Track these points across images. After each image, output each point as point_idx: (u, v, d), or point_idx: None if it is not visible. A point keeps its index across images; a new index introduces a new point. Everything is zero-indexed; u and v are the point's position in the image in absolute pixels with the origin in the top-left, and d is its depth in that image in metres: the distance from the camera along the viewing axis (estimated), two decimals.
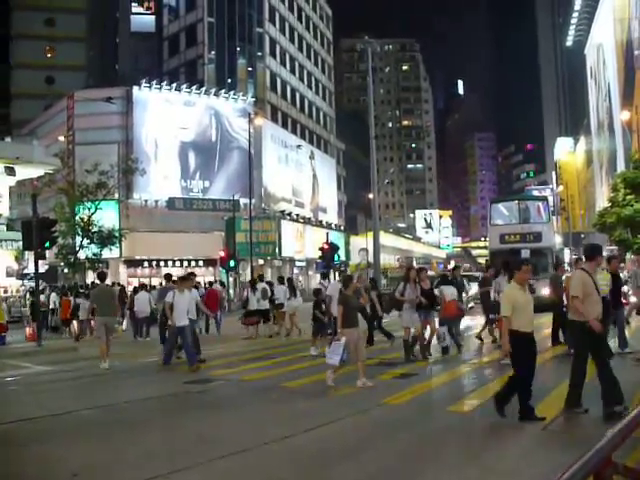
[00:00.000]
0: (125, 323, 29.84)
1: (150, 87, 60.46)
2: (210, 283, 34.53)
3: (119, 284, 37.40)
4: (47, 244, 24.87)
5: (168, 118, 60.03)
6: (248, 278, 40.85)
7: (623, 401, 8.67)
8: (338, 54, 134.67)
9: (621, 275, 20.29)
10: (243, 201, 56.10)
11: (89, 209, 41.05)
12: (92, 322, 24.04)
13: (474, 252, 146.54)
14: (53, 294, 32.14)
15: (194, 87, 63.08)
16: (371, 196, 41.56)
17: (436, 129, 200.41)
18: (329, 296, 17.27)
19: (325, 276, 26.94)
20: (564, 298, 15.34)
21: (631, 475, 4.42)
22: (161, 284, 32.24)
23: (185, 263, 60.15)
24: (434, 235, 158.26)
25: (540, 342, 19.03)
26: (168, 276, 20.48)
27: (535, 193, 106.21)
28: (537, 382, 11.19)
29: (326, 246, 42.97)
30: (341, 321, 12.20)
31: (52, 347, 23.32)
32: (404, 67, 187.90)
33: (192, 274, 18.54)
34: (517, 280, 9.28)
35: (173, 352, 16.95)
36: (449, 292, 16.70)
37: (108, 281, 26.39)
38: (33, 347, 22.93)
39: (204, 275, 58.62)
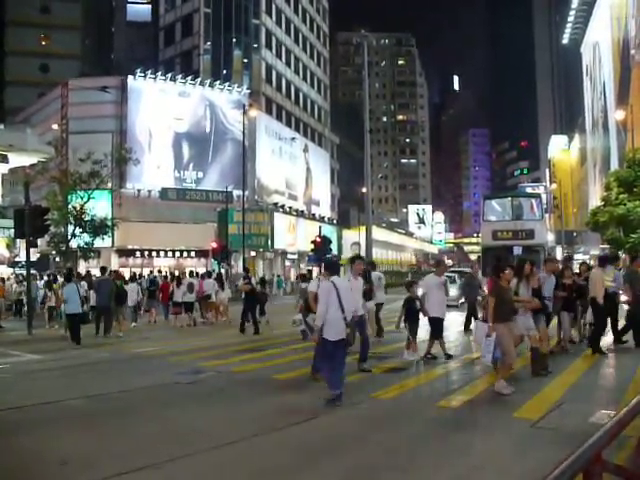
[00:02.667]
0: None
1: (145, 77, 60.28)
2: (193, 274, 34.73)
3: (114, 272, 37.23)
4: (39, 232, 24.81)
5: (163, 108, 59.89)
6: (240, 270, 40.91)
7: None
8: (334, 47, 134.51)
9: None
10: (236, 193, 56.07)
11: (82, 198, 40.91)
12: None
13: (466, 248, 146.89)
14: (40, 282, 32.08)
15: (189, 78, 62.96)
16: (364, 190, 41.49)
17: (431, 124, 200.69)
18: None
19: (304, 277, 26.32)
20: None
21: (620, 473, 4.42)
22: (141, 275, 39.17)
23: (177, 254, 60.14)
24: (427, 230, 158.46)
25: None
26: (103, 269, 25.54)
27: (528, 190, 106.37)
28: (527, 379, 11.22)
29: (319, 239, 42.99)
30: (492, 315, 10.94)
31: (43, 336, 23.26)
32: (400, 61, 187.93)
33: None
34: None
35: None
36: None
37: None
38: (23, 335, 22.87)
39: (196, 266, 58.75)
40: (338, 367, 10.39)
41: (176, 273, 37.56)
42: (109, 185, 49.23)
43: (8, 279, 37.81)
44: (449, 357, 14.85)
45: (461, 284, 20.25)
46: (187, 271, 36.08)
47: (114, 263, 54.83)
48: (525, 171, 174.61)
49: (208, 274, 30.41)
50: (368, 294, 19.78)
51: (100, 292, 22.97)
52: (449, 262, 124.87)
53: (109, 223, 43.63)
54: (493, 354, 10.84)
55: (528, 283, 12.73)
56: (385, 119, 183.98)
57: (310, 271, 13.14)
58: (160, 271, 46.83)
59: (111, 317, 23.07)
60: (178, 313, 26.79)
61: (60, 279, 28.82)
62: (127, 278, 32.60)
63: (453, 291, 34.52)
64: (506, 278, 11.49)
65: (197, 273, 32.76)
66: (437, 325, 15.11)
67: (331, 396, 10.15)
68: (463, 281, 20.50)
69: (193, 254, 60.91)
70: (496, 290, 11.27)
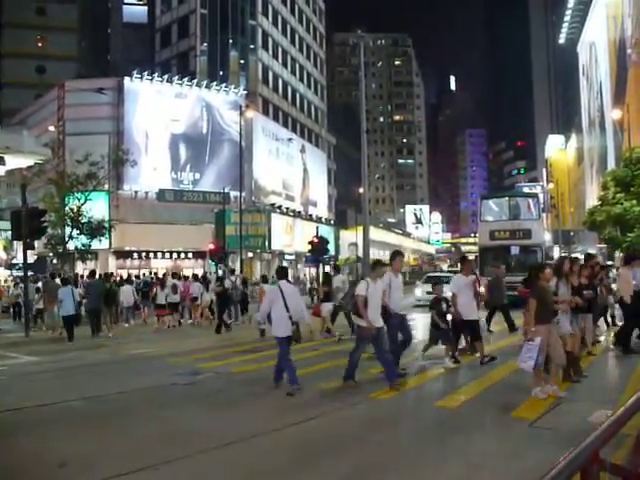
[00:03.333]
0: None
1: (141, 78, 60.22)
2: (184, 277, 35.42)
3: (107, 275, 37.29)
4: (37, 234, 24.81)
5: (159, 110, 59.84)
6: (238, 271, 40.90)
7: None
8: (330, 48, 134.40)
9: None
10: (233, 194, 55.98)
11: (79, 200, 40.87)
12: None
13: (464, 248, 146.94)
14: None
15: (186, 79, 62.89)
16: (361, 190, 41.44)
17: (427, 124, 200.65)
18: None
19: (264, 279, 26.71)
20: None
21: (618, 472, 4.43)
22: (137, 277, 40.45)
23: (174, 255, 60.12)
24: (424, 230, 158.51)
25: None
26: (92, 272, 27.08)
27: (525, 190, 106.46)
28: (525, 379, 11.23)
29: (316, 240, 42.96)
30: (534, 317, 10.35)
31: (40, 338, 23.26)
32: (396, 62, 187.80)
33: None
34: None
35: None
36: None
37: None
38: (21, 337, 22.86)
39: (193, 267, 58.74)
40: (289, 362, 11.75)
41: (160, 275, 37.92)
42: (106, 187, 49.22)
43: (5, 281, 37.88)
44: (493, 359, 13.95)
45: (486, 285, 19.99)
46: (170, 273, 36.64)
47: (111, 265, 54.82)
48: (522, 171, 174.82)
49: (194, 277, 31.32)
50: (327, 296, 20.84)
51: (90, 294, 24.01)
52: (445, 264, 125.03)
53: (106, 225, 43.60)
54: (536, 360, 10.03)
55: (568, 281, 12.34)
56: (382, 119, 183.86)
57: (284, 268, 13.28)
58: (151, 272, 46.94)
59: (100, 318, 23.94)
60: (161, 315, 27.16)
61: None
62: (124, 279, 33.22)
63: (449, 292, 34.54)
64: (546, 277, 11.02)
65: (184, 276, 34.37)
66: (474, 327, 14.24)
67: (292, 390, 11.27)
68: (488, 282, 20.26)
69: (190, 255, 60.88)
70: (537, 291, 10.69)
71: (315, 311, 20.81)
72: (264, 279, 24.65)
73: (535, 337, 10.14)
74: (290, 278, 19.14)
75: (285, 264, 68.85)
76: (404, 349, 13.32)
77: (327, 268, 52.70)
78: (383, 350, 11.68)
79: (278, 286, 12.23)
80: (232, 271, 31.80)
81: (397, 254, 13.40)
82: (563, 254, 41.15)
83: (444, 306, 14.25)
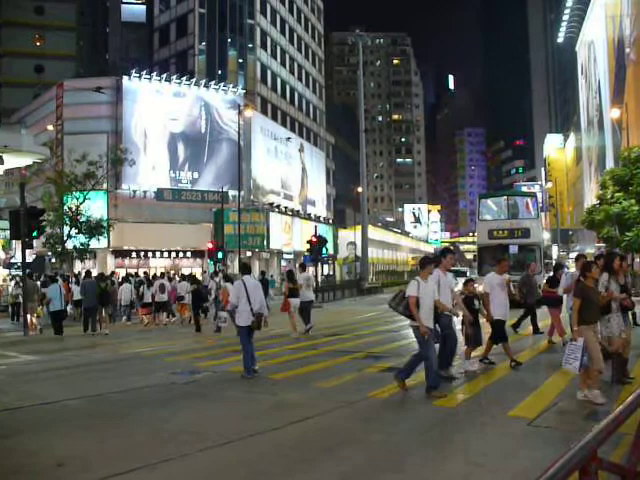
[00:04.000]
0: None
1: (140, 77, 60.13)
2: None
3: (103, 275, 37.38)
4: (35, 233, 24.83)
5: (158, 109, 59.77)
6: (236, 270, 40.92)
7: None
8: (329, 47, 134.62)
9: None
10: (232, 193, 55.97)
11: (77, 199, 40.84)
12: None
13: (462, 247, 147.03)
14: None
15: (184, 78, 62.81)
16: (360, 190, 41.62)
17: (426, 124, 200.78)
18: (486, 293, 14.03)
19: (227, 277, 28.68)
20: None
21: (616, 471, 4.44)
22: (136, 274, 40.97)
23: (173, 254, 60.10)
24: (422, 229, 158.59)
25: (527, 338, 19.16)
26: (88, 273, 27.79)
27: (524, 189, 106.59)
28: (524, 378, 11.24)
29: (314, 239, 43.00)
30: (577, 317, 10.04)
31: (39, 337, 23.28)
32: (395, 61, 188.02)
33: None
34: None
35: None
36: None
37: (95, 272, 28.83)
38: (20, 336, 22.87)
39: (192, 266, 58.75)
40: (247, 348, 13.50)
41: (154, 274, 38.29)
42: (105, 186, 49.15)
43: (4, 280, 37.86)
44: (517, 364, 13.25)
45: (517, 284, 19.65)
46: (159, 272, 38.01)
47: (110, 264, 54.78)
48: (520, 170, 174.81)
49: (182, 276, 32.73)
50: (292, 292, 21.73)
51: (87, 293, 24.80)
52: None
53: (105, 224, 43.55)
54: (581, 361, 9.65)
55: (617, 278, 11.68)
56: (380, 118, 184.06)
57: (246, 264, 13.94)
58: (146, 272, 46.94)
59: (96, 316, 25.14)
60: (147, 313, 28.43)
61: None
62: (124, 278, 33.68)
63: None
64: (594, 276, 10.57)
65: (168, 276, 35.00)
66: (500, 328, 13.57)
67: (242, 374, 13.22)
68: (519, 281, 19.95)
69: (189, 254, 60.87)
70: (582, 290, 10.35)
71: (285, 307, 21.94)
72: (227, 278, 26.67)
73: (578, 337, 9.87)
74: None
75: (284, 263, 69.08)
76: (450, 351, 12.67)
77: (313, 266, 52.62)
78: (429, 351, 10.99)
79: (242, 281, 13.71)
80: (216, 272, 32.74)
81: (448, 251, 12.80)
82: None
83: (476, 304, 13.51)
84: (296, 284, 22.03)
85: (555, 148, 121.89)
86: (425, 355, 10.94)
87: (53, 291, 24.06)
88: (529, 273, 19.77)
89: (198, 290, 26.02)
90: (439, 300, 11.49)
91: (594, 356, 9.88)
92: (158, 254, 59.01)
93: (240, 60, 74.52)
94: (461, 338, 13.19)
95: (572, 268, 21.57)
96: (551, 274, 18.64)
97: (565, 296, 14.87)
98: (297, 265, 29.12)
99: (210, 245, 46.91)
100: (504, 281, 13.98)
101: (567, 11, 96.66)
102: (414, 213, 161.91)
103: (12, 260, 45.26)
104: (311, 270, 38.96)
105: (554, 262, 48.18)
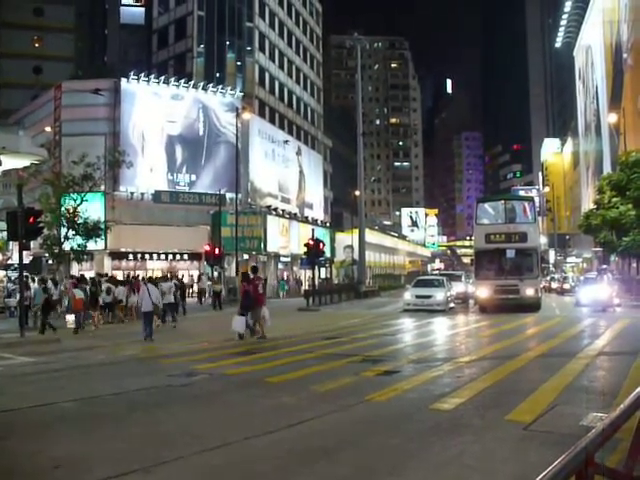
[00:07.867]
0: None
1: (138, 79, 60.17)
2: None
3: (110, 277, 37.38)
4: (32, 234, 24.86)
5: (156, 111, 59.81)
6: (233, 273, 40.99)
7: None
8: (327, 50, 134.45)
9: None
10: (229, 195, 55.98)
11: (75, 200, 40.77)
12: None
13: (460, 251, 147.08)
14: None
15: (182, 80, 62.86)
16: (357, 193, 41.58)
17: (424, 127, 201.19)
18: None
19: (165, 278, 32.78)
20: None
21: (613, 476, 4.44)
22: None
23: (170, 256, 60.11)
24: (420, 233, 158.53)
25: (524, 342, 19.18)
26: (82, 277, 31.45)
27: (521, 193, 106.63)
28: (520, 382, 11.25)
29: (312, 242, 43.01)
30: None
31: (35, 338, 23.23)
32: (393, 65, 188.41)
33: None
34: None
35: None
36: None
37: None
38: (16, 338, 22.82)
39: (189, 268, 58.76)
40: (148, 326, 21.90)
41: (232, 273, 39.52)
42: (102, 188, 49.04)
43: (1, 282, 37.79)
44: None
45: None
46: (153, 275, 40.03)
47: (107, 266, 54.78)
48: (518, 174, 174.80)
49: (120, 282, 34.54)
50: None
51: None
52: (440, 265, 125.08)
53: (102, 226, 43.50)
54: None
55: None
56: (378, 122, 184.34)
57: (151, 278, 18.95)
58: (136, 275, 46.95)
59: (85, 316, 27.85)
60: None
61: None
62: (120, 281, 34.17)
63: (440, 295, 34.60)
64: None
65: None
66: None
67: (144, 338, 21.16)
68: None
69: (186, 257, 60.92)
70: None
71: (260, 300, 22.04)
72: (150, 280, 30.06)
73: None
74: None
75: (281, 266, 69.17)
76: None
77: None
78: None
79: (146, 285, 23.41)
80: (171, 277, 35.54)
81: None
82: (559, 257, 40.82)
83: None
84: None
85: (552, 152, 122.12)
86: None
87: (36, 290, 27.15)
88: None
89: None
90: None
91: None
92: (155, 256, 59.02)
93: (238, 63, 74.62)
94: None
95: (569, 273, 21.61)
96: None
97: None
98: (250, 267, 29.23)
99: (207, 248, 46.89)
100: None
101: (565, 16, 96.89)
102: (411, 217, 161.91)
103: (9, 261, 45.19)
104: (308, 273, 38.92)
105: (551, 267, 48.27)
